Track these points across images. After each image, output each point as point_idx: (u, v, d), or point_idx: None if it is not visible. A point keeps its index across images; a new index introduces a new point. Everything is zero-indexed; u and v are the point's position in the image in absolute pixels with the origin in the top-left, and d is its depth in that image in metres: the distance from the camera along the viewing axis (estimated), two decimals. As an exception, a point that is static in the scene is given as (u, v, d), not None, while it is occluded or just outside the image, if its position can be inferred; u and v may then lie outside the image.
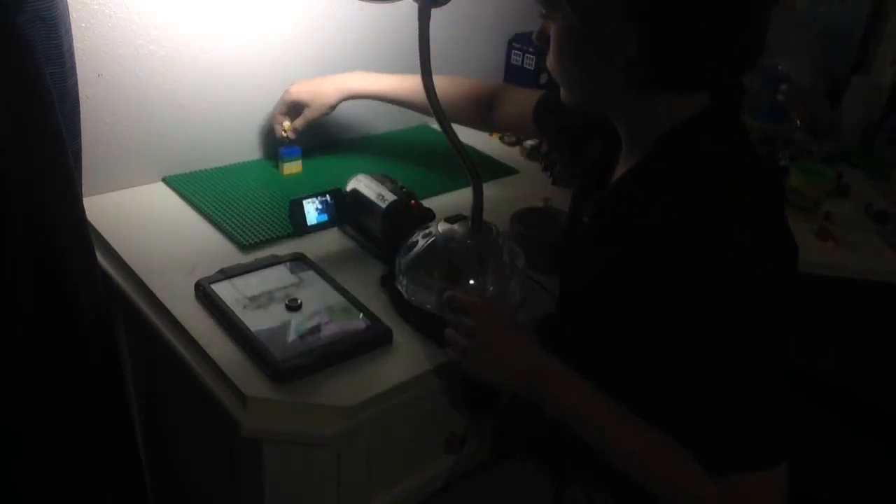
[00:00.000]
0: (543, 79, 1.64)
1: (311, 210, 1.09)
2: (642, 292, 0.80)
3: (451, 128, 0.92)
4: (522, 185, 1.42)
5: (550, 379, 0.84)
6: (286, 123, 1.31)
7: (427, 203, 1.13)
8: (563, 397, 0.84)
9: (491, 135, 1.63)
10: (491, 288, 0.97)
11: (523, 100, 1.22)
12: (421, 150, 1.46)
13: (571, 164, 1.08)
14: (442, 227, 0.98)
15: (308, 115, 1.30)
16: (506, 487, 1.01)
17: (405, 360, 0.92)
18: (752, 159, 0.83)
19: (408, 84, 1.27)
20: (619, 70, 0.77)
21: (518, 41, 1.67)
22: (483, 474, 1.04)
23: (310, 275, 1.02)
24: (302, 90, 1.29)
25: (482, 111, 1.28)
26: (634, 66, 0.76)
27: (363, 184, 1.10)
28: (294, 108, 1.31)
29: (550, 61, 0.85)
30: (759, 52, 0.79)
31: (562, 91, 0.88)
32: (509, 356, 0.86)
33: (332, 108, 1.31)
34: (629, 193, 0.85)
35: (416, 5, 0.86)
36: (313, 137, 1.43)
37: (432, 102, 0.89)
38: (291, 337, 0.90)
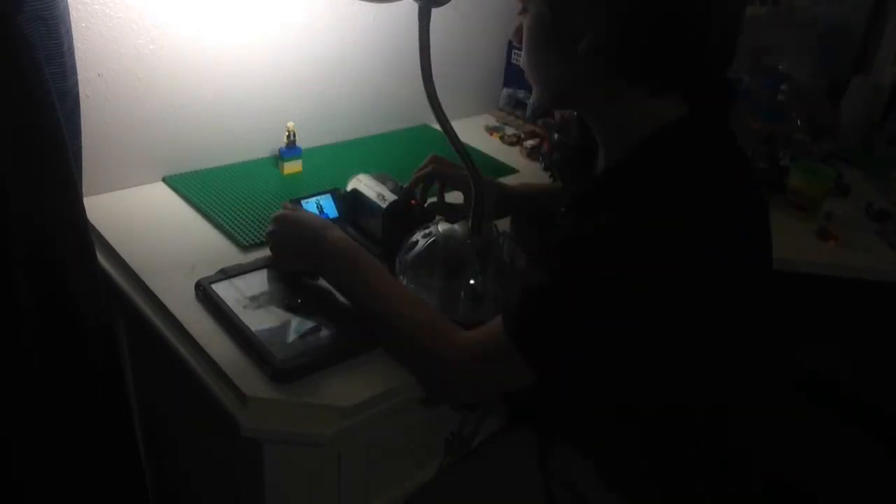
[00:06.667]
0: (543, 79, 1.64)
1: (311, 210, 1.09)
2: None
3: (452, 128, 0.92)
4: (522, 185, 1.41)
5: (328, 241, 0.94)
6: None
7: (427, 203, 1.12)
8: (337, 257, 0.93)
9: (491, 134, 1.64)
10: (491, 288, 0.97)
11: None
12: (421, 150, 1.45)
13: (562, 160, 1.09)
14: (442, 227, 0.98)
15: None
16: (494, 467, 1.01)
17: (405, 360, 0.92)
18: (725, 171, 0.80)
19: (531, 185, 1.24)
20: (582, 59, 0.77)
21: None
22: (471, 457, 1.05)
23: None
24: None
25: None
26: (595, 55, 0.76)
27: (363, 184, 1.10)
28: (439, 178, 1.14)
29: (522, 57, 0.86)
30: (728, 56, 0.78)
31: (533, 91, 0.87)
32: (299, 240, 0.97)
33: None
34: (601, 195, 0.82)
35: (416, 5, 0.86)
36: (313, 137, 1.43)
37: (433, 104, 0.89)
38: (291, 337, 0.90)
